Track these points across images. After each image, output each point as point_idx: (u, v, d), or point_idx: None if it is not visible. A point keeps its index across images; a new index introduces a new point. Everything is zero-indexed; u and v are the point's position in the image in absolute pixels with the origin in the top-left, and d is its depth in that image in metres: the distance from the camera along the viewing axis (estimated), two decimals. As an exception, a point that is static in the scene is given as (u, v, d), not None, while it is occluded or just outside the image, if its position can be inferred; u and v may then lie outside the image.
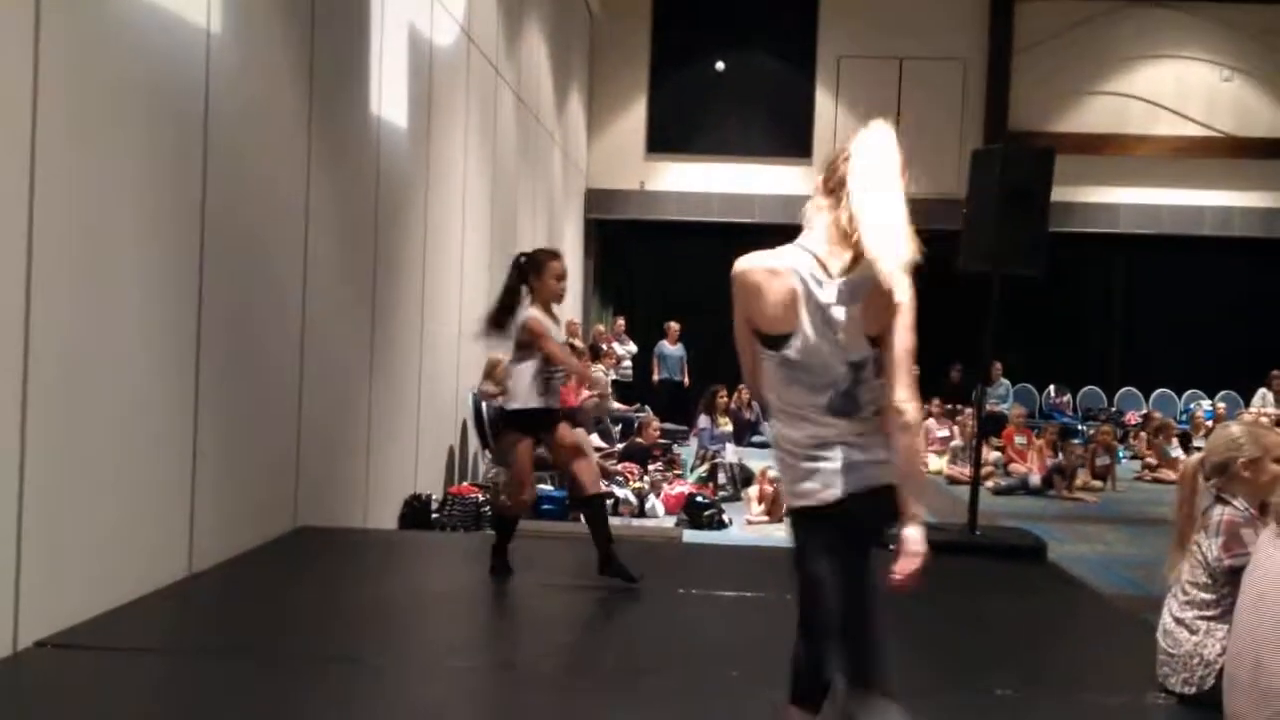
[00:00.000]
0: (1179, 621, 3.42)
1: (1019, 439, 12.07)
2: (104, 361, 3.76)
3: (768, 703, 3.28)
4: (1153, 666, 3.48)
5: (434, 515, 7.18)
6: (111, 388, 3.81)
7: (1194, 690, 3.34)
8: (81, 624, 3.63)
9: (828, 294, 2.40)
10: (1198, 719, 3.19)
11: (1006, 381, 15.01)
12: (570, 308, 14.73)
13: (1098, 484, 11.47)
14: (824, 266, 2.42)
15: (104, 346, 3.76)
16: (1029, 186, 6.06)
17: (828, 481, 2.38)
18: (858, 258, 2.40)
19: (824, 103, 15.78)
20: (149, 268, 4.04)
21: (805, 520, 2.44)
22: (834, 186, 2.48)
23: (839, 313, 2.40)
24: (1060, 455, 11.54)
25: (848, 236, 2.42)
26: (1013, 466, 11.67)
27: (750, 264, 2.49)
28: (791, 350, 2.41)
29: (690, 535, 7.70)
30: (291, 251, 5.34)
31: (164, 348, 4.17)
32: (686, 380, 14.53)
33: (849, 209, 2.41)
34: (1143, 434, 13.28)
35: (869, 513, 2.40)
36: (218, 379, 4.54)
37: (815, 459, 2.39)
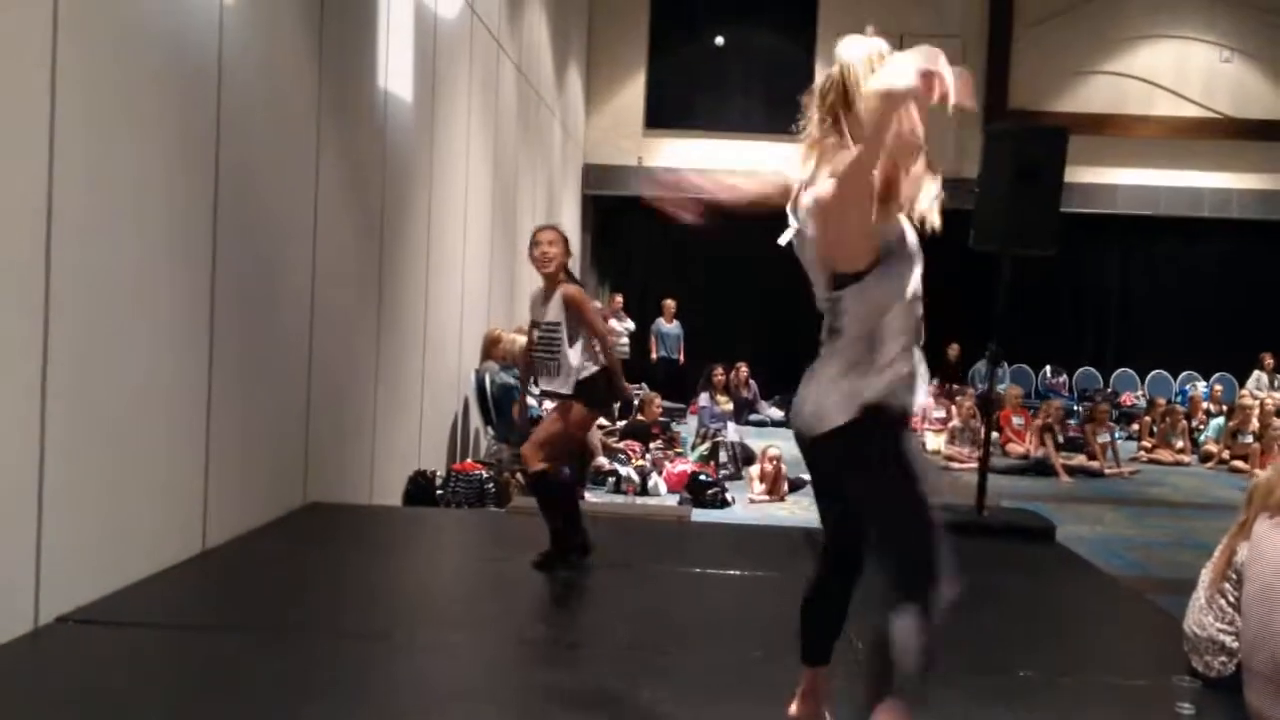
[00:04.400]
0: (1217, 628, 3.36)
1: (1016, 419, 12.10)
2: (120, 339, 3.72)
3: (791, 682, 3.28)
4: (1171, 648, 3.49)
5: (438, 492, 7.16)
6: (128, 365, 3.78)
7: (1215, 674, 3.35)
8: (101, 599, 3.61)
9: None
10: (1223, 701, 3.20)
11: (1004, 362, 15.07)
12: (567, 284, 14.68)
13: (1094, 464, 11.52)
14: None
15: (120, 324, 3.72)
16: (1041, 166, 6.04)
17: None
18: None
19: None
20: (164, 243, 4.00)
21: None
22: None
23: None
24: (1053, 433, 11.55)
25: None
26: (1010, 447, 11.71)
27: None
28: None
29: (696, 514, 7.70)
30: (301, 227, 5.30)
31: (178, 325, 4.13)
32: (682, 358, 14.51)
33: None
34: (1147, 418, 13.27)
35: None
36: (230, 354, 4.50)
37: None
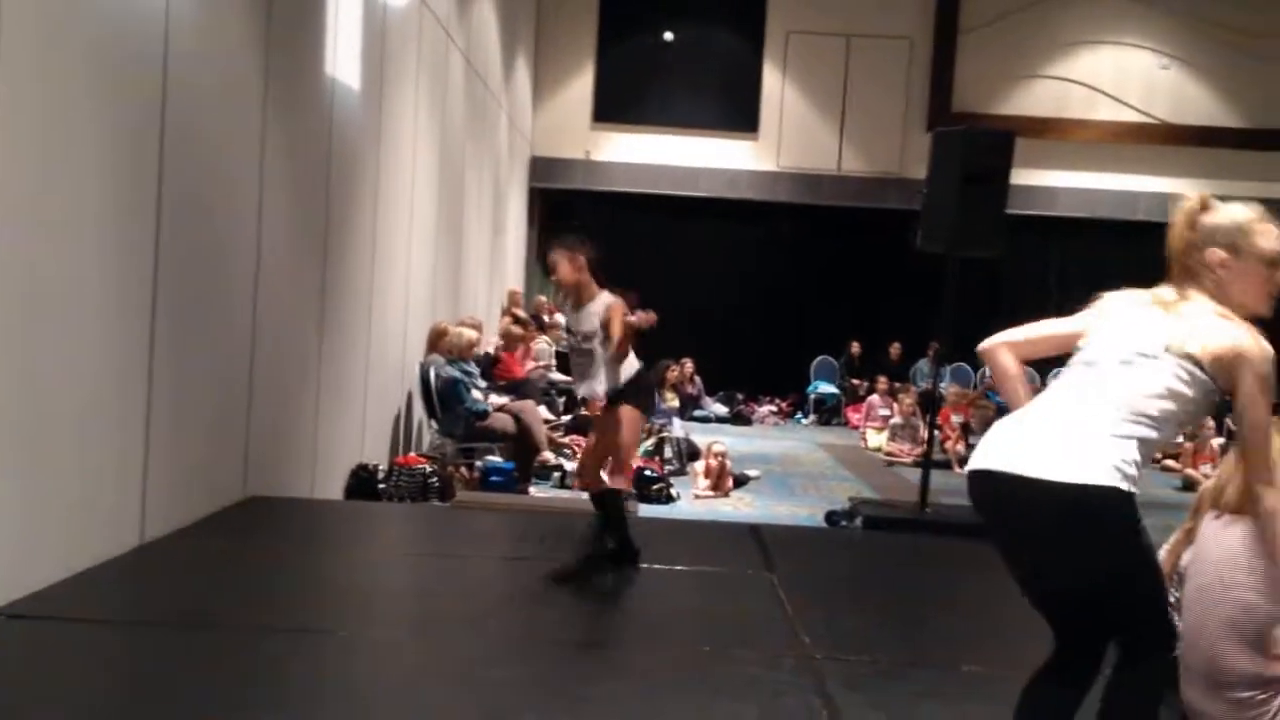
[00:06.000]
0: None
1: (955, 418, 12.25)
2: (57, 328, 3.63)
3: (741, 676, 3.29)
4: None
5: (380, 485, 7.08)
6: (66, 354, 3.68)
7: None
8: (36, 593, 3.51)
9: None
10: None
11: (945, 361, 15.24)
12: (513, 277, 14.61)
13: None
14: None
15: (57, 312, 3.62)
16: (988, 169, 6.12)
17: None
18: None
19: (772, 78, 15.75)
20: (104, 232, 3.90)
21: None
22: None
23: None
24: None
25: None
26: (947, 445, 11.84)
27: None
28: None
29: (641, 510, 7.70)
30: (245, 215, 5.20)
31: (119, 314, 4.03)
32: (628, 353, 14.48)
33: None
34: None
35: None
36: (171, 345, 4.40)
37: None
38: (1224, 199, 2.67)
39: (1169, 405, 2.50)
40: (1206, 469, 10.30)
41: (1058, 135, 15.71)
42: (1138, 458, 2.49)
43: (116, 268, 3.99)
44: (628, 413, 4.53)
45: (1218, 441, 11.77)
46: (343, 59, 6.43)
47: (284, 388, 5.81)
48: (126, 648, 3.34)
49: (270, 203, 5.39)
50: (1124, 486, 2.45)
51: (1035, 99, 15.81)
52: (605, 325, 4.47)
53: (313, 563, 4.54)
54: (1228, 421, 13.09)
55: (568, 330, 4.68)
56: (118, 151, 3.96)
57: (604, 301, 4.55)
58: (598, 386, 4.53)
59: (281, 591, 4.09)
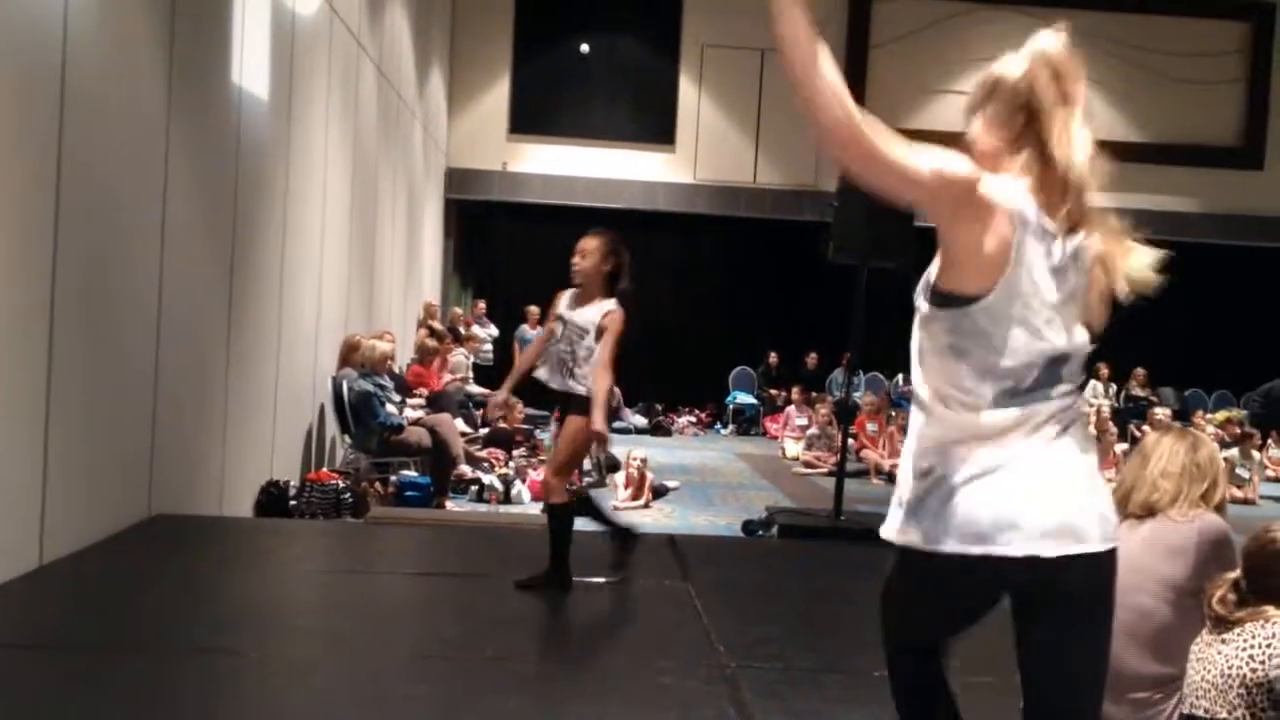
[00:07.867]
0: None
1: (870, 426, 12.43)
2: (-51, 339, 3.50)
3: (656, 686, 3.30)
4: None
5: (292, 502, 6.95)
6: (-43, 367, 3.55)
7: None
8: (-77, 621, 3.38)
9: (1056, 255, 1.92)
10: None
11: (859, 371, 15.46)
12: (429, 289, 14.48)
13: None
14: (1048, 217, 1.90)
15: (-51, 322, 3.50)
16: (897, 181, 6.21)
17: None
18: (1077, 223, 1.93)
19: (688, 90, 15.87)
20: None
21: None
22: (1022, 117, 1.93)
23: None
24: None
25: (1066, 189, 1.89)
26: (864, 453, 12.01)
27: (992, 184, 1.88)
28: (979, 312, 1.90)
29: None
30: (148, 226, 5.07)
31: (14, 329, 3.90)
32: (546, 365, 14.45)
33: (1066, 153, 1.89)
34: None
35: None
36: (71, 360, 4.27)
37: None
38: (1118, 211, 2.04)
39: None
40: (1110, 474, 10.60)
41: (966, 149, 16.05)
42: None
43: (12, 280, 3.86)
44: (574, 422, 4.45)
45: (1120, 448, 12.13)
46: (250, 67, 6.31)
47: (190, 402, 5.67)
48: (25, 673, 3.22)
49: (174, 212, 5.27)
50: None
51: (944, 113, 16.13)
52: (599, 331, 4.38)
53: (221, 582, 4.43)
54: (1131, 428, 13.50)
55: (559, 318, 4.57)
56: (14, 160, 3.84)
57: (607, 308, 4.43)
58: (573, 384, 4.46)
59: (189, 612, 3.99)
